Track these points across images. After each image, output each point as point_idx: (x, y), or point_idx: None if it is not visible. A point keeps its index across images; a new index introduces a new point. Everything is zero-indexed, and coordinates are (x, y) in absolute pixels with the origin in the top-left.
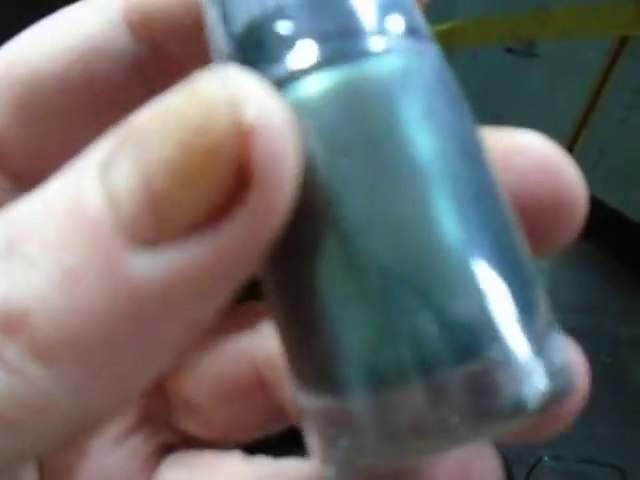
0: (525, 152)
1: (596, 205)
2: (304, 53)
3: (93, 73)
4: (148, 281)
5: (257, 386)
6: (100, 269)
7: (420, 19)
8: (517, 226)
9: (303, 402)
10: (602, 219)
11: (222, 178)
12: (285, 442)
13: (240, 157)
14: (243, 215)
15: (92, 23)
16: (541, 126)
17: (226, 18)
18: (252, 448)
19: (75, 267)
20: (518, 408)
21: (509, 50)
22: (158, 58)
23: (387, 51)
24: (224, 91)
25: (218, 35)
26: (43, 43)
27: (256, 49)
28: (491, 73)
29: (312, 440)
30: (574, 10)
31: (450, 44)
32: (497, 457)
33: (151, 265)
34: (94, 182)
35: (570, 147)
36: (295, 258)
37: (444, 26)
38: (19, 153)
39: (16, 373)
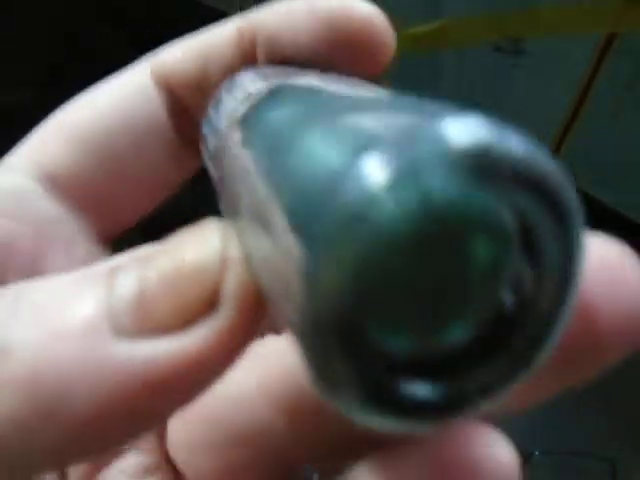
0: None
1: (587, 202)
2: None
3: (134, 124)
4: (119, 360)
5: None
6: (84, 341)
7: None
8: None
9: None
10: (593, 216)
11: (199, 298)
12: None
13: (215, 287)
14: (205, 327)
15: (129, 88)
16: (530, 123)
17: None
18: None
19: (66, 330)
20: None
21: (497, 48)
22: (177, 110)
23: None
24: (218, 251)
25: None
26: (97, 101)
27: None
28: (479, 72)
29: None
30: (561, 7)
31: (437, 44)
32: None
33: (126, 349)
34: (103, 277)
35: (559, 144)
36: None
37: (431, 26)
38: (75, 181)
39: None
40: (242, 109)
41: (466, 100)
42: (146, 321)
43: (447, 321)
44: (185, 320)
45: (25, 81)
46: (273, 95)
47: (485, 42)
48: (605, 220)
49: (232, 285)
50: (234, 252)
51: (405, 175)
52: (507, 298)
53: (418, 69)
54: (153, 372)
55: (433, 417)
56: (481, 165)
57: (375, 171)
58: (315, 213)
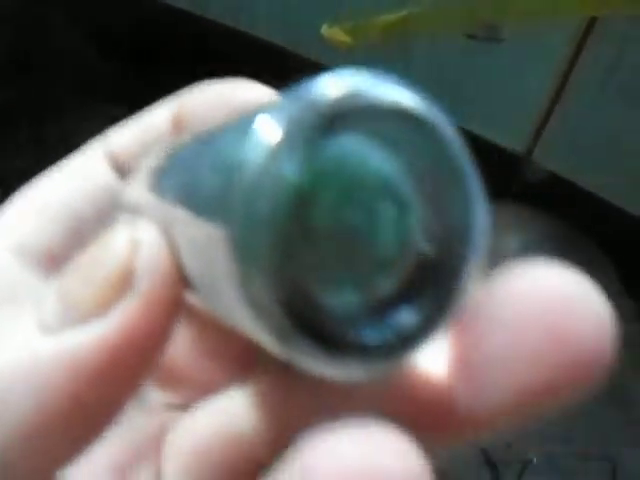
0: None
1: (570, 187)
2: None
3: (95, 197)
4: (49, 355)
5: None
6: (18, 343)
7: None
8: None
9: None
10: (577, 201)
11: (113, 282)
12: None
13: (128, 269)
14: (121, 307)
15: (87, 165)
16: (511, 110)
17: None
18: None
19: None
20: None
21: (470, 36)
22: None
23: None
24: (127, 235)
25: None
26: (61, 179)
27: None
28: (453, 60)
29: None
30: None
31: (407, 32)
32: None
33: (53, 344)
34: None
35: (541, 130)
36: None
37: (400, 14)
38: (48, 252)
39: None
40: (147, 168)
41: (439, 90)
42: (69, 314)
43: (374, 273)
44: (105, 305)
45: None
46: (170, 151)
47: (458, 30)
48: (588, 206)
49: (144, 264)
50: (145, 235)
51: (286, 132)
52: (423, 247)
53: (390, 59)
54: (80, 361)
55: (380, 360)
56: (349, 109)
57: (259, 138)
58: (224, 195)
